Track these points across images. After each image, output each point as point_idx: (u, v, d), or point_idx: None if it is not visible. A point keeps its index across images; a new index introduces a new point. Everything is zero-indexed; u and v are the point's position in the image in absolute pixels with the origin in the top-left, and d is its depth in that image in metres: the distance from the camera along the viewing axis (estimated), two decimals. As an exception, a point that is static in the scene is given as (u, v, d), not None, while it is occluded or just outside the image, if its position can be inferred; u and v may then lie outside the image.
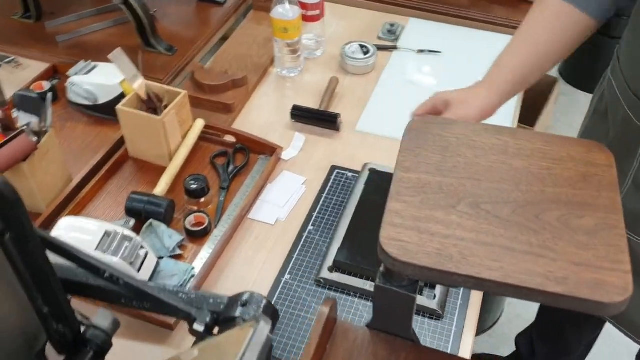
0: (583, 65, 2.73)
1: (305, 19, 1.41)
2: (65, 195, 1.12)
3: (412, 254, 0.53)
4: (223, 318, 0.65)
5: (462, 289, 1.03)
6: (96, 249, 0.97)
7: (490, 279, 0.51)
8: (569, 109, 2.59)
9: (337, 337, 0.64)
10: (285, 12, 1.34)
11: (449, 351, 0.95)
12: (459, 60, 1.50)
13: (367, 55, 1.44)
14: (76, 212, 1.12)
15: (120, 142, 1.25)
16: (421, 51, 1.52)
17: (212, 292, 0.76)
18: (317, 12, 1.43)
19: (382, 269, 0.58)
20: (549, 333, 1.58)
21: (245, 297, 0.65)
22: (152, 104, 1.16)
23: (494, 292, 0.53)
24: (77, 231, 0.99)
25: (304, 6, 1.39)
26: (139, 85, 1.15)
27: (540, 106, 1.88)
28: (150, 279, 1.02)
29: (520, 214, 0.57)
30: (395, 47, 1.52)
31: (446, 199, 0.58)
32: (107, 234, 0.98)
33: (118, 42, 1.49)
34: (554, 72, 2.87)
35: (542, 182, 0.59)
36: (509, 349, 1.87)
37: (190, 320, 0.66)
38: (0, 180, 0.53)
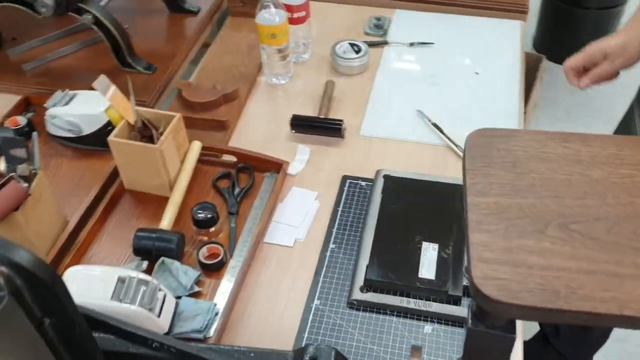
0: (556, 38, 2.72)
1: (291, 21, 1.34)
2: (63, 241, 1.04)
3: (514, 293, 0.48)
4: (291, 378, 0.58)
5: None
6: (111, 298, 0.89)
7: (607, 313, 0.46)
8: (551, 84, 2.57)
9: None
10: (271, 17, 1.27)
11: (499, 363, 0.91)
12: (453, 49, 1.45)
13: (360, 54, 1.38)
14: (78, 258, 1.04)
15: (114, 174, 1.16)
16: (413, 44, 1.46)
17: (274, 348, 0.69)
18: (303, 13, 1.36)
19: (473, 308, 0.52)
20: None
21: (312, 352, 0.59)
22: (147, 132, 1.08)
23: (608, 325, 0.48)
24: (87, 280, 0.91)
25: (289, 8, 1.32)
26: (133, 112, 1.07)
27: (529, 85, 1.85)
28: (171, 322, 0.94)
29: (616, 232, 0.51)
30: (385, 42, 1.46)
31: (532, 223, 0.53)
32: (120, 280, 0.90)
33: (92, 66, 1.41)
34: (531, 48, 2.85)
35: (628, 192, 0.54)
36: (534, 328, 1.83)
37: (253, 384, 0.59)
38: (34, 261, 0.46)
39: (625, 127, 1.34)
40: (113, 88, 1.08)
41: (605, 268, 0.49)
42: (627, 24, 1.16)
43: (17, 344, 0.47)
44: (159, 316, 0.91)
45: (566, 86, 2.52)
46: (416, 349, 0.54)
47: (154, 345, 0.58)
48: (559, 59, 2.87)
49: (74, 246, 1.04)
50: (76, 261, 1.03)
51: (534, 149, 0.60)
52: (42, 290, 0.47)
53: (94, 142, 1.21)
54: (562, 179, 0.57)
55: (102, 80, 1.07)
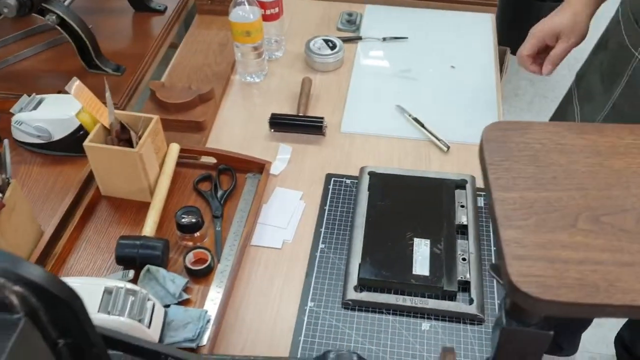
0: (515, 30, 2.75)
1: (264, 18, 1.31)
2: (40, 251, 0.98)
3: (554, 290, 0.46)
4: (314, 386, 0.56)
5: (495, 286, 0.98)
6: (99, 310, 0.85)
7: (648, 304, 0.45)
8: (512, 76, 2.61)
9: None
10: (245, 14, 1.23)
11: (499, 356, 0.90)
12: (427, 43, 1.44)
13: (335, 50, 1.36)
14: (57, 269, 0.99)
15: (88, 180, 1.11)
16: (386, 39, 1.45)
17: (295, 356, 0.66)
18: (276, 10, 1.33)
19: (506, 307, 0.51)
20: None
21: (333, 358, 0.57)
22: (124, 135, 1.03)
23: (648, 317, 0.47)
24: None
25: (262, 5, 1.29)
26: (110, 114, 1.02)
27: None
28: (162, 332, 0.90)
29: (646, 222, 0.51)
30: (359, 38, 1.45)
31: (562, 217, 0.52)
32: (107, 291, 0.86)
33: (56, 68, 1.35)
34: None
35: (651, 180, 0.54)
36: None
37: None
38: (49, 277, 0.42)
39: (562, 112, 1.34)
40: (86, 91, 1.03)
41: (640, 259, 0.48)
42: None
43: (32, 368, 0.43)
44: (149, 327, 0.87)
45: (527, 77, 2.58)
46: (448, 351, 0.53)
47: (167, 360, 0.55)
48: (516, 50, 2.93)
49: (51, 257, 0.99)
50: (55, 273, 0.98)
51: (551, 141, 0.59)
52: (59, 309, 0.43)
53: (65, 148, 1.15)
54: (583, 170, 0.56)
55: (74, 83, 1.02)
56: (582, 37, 1.12)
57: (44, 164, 1.16)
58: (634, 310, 0.46)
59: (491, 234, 1.05)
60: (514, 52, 2.74)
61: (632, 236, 0.50)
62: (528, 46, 1.14)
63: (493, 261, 1.01)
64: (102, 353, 0.47)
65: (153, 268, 0.96)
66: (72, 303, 0.42)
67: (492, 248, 1.03)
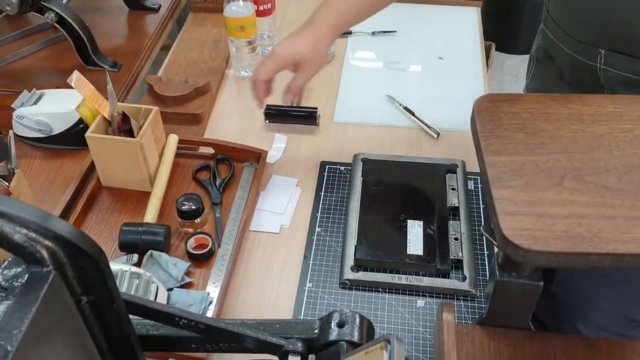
0: (498, 24, 2.80)
1: (257, 14, 1.34)
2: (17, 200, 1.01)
3: (543, 241, 0.50)
4: (320, 344, 0.59)
5: (487, 264, 1.02)
6: (105, 293, 0.88)
7: (629, 253, 0.49)
8: (496, 70, 2.66)
9: (456, 343, 0.60)
10: (239, 9, 1.27)
11: (492, 330, 0.94)
12: (415, 37, 1.49)
13: (326, 44, 1.39)
14: (61, 256, 1.01)
15: (89, 171, 1.14)
16: (376, 33, 1.49)
17: (302, 318, 0.69)
18: (269, 5, 1.37)
19: (499, 261, 0.54)
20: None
21: (337, 317, 0.60)
22: (125, 126, 1.06)
23: (631, 266, 0.51)
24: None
25: (255, 1, 1.32)
26: (112, 106, 1.05)
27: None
28: (166, 314, 0.93)
29: (627, 180, 0.55)
30: (349, 32, 1.49)
31: (549, 177, 0.56)
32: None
33: (54, 65, 1.38)
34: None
35: (631, 144, 0.58)
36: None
37: (282, 353, 0.60)
38: (77, 233, 0.45)
39: None
40: (87, 83, 1.06)
41: (623, 213, 0.52)
42: (316, 15, 1.05)
43: (59, 325, 0.46)
44: (154, 308, 0.90)
45: (511, 72, 2.61)
46: (446, 305, 0.56)
47: (181, 323, 0.58)
48: (500, 45, 2.98)
49: (55, 246, 1.01)
50: (59, 260, 1.01)
51: (538, 110, 0.63)
52: (85, 264, 0.46)
53: (66, 141, 1.18)
54: (568, 136, 0.60)
55: (75, 75, 1.05)
56: (323, 63, 1.06)
57: (44, 158, 1.19)
58: (617, 258, 0.50)
59: (482, 215, 1.09)
60: (498, 47, 2.81)
61: (614, 193, 0.54)
62: (265, 70, 1.03)
63: (482, 240, 1.05)
64: (122, 310, 0.50)
65: (156, 253, 0.99)
66: (98, 259, 0.45)
67: (483, 228, 1.07)
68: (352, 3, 1.04)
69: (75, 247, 0.45)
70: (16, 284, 0.45)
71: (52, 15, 1.27)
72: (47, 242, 0.44)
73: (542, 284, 0.54)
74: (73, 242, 0.44)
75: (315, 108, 1.24)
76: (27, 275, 0.44)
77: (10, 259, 0.47)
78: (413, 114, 1.26)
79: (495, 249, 0.56)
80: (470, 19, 1.54)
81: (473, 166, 1.16)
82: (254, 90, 1.06)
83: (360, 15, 1.06)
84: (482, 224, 1.07)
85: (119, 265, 0.90)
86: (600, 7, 0.94)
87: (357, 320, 0.59)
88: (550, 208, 0.53)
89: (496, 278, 0.53)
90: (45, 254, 0.44)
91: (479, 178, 1.15)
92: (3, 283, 0.45)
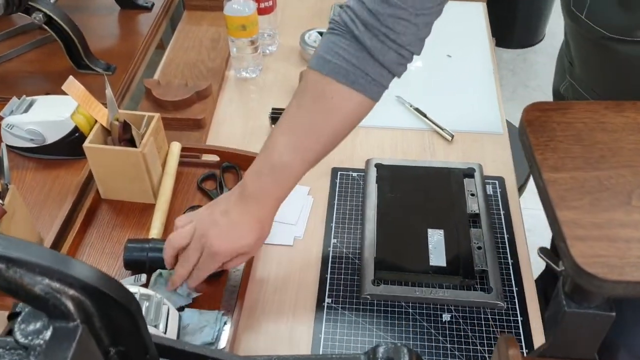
0: (501, 21, 2.77)
1: (258, 12, 1.28)
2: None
3: (619, 270, 0.45)
4: (366, 383, 0.54)
5: (512, 274, 0.97)
6: (113, 318, 0.82)
7: None
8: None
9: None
10: (240, 7, 1.20)
11: (522, 343, 0.89)
12: (421, 33, 1.43)
13: (330, 42, 1.33)
14: (61, 276, 0.95)
15: (86, 183, 1.07)
16: (380, 29, 1.43)
17: (341, 353, 0.64)
18: (270, 3, 1.30)
19: (565, 290, 0.49)
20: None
21: (384, 352, 0.54)
22: (125, 135, 1.00)
23: None
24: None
25: (255, -2, 1.26)
26: (111, 113, 0.99)
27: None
28: (178, 338, 0.87)
29: (700, 196, 0.50)
30: (352, 29, 1.42)
31: (614, 195, 0.51)
32: (120, 297, 0.83)
33: (43, 69, 1.31)
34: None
35: (698, 154, 0.53)
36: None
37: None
38: (105, 279, 0.39)
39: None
40: (83, 89, 0.99)
41: (702, 234, 0.47)
42: (257, 185, 0.84)
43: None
44: (165, 332, 0.84)
45: (508, 67, 2.58)
46: (509, 340, 0.51)
47: (212, 364, 0.52)
48: (497, 40, 2.95)
49: (54, 265, 0.95)
50: (59, 281, 0.94)
51: (593, 120, 0.58)
52: (115, 313, 0.40)
53: (60, 151, 1.11)
54: (629, 148, 0.55)
55: (70, 81, 0.99)
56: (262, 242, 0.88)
57: (38, 169, 1.12)
58: None
59: (503, 222, 1.04)
60: (498, 43, 2.76)
61: (691, 212, 0.49)
62: (204, 271, 0.86)
63: (506, 248, 1.00)
64: (154, 359, 0.44)
65: (165, 272, 0.93)
66: (130, 307, 0.40)
67: (506, 236, 1.02)
68: (303, 166, 0.85)
69: (105, 296, 0.39)
70: (38, 342, 0.39)
71: (40, 15, 1.19)
72: (72, 292, 0.38)
73: (614, 314, 0.49)
74: (102, 290, 0.39)
75: (324, 111, 1.18)
76: (50, 331, 0.39)
77: (27, 310, 0.41)
78: (425, 116, 1.21)
79: (561, 278, 0.51)
80: (477, 15, 1.49)
81: (490, 170, 1.12)
82: (167, 257, 0.88)
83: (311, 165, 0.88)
84: (504, 232, 1.02)
85: (127, 288, 0.84)
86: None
87: (406, 355, 0.54)
88: (621, 231, 0.48)
89: (564, 309, 0.48)
90: (71, 305, 0.38)
91: (497, 182, 1.10)
92: (22, 340, 0.39)
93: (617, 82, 0.99)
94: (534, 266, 0.99)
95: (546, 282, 1.46)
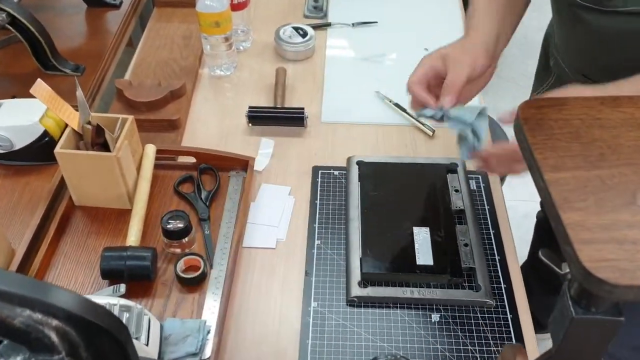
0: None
1: (232, 7, 1.24)
2: (14, 272, 0.90)
3: (631, 274, 0.43)
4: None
5: (500, 271, 0.96)
6: (92, 332, 0.78)
7: None
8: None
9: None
10: (213, 3, 1.17)
11: (512, 341, 0.88)
12: (397, 27, 1.41)
13: (306, 38, 1.31)
14: (35, 288, 0.91)
15: (59, 190, 1.03)
16: (356, 24, 1.41)
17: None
18: (243, -2, 1.27)
19: (571, 294, 0.48)
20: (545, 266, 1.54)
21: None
22: (98, 139, 0.96)
23: None
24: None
25: (228, -6, 1.22)
26: (82, 117, 0.95)
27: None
28: (160, 349, 0.84)
29: None
30: (328, 24, 1.40)
31: (618, 195, 0.49)
32: (99, 310, 0.79)
33: (7, 71, 1.26)
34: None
35: (700, 149, 0.52)
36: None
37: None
38: (90, 307, 0.36)
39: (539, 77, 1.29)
40: (52, 92, 0.95)
41: None
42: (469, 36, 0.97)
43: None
44: (147, 344, 0.81)
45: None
46: (516, 349, 0.49)
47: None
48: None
49: (27, 277, 0.91)
50: (33, 293, 0.90)
51: (589, 116, 0.56)
52: (102, 342, 0.37)
53: (30, 157, 1.06)
54: (628, 145, 0.53)
55: (38, 84, 0.94)
56: (474, 68, 0.93)
57: (6, 176, 1.07)
58: None
59: (488, 217, 1.03)
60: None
61: (697, 210, 0.48)
62: (415, 76, 0.95)
63: (492, 244, 0.99)
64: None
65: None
66: (119, 336, 0.37)
67: (492, 231, 1.01)
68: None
69: (91, 325, 0.36)
70: (19, 378, 0.36)
71: (4, 15, 1.14)
72: (56, 323, 0.35)
73: (622, 318, 0.47)
74: (89, 319, 0.35)
75: (302, 108, 1.15)
76: (32, 366, 0.35)
77: (5, 343, 0.38)
78: (405, 111, 1.19)
79: (566, 282, 0.49)
80: (453, 7, 1.47)
81: (472, 164, 1.10)
82: (416, 95, 0.94)
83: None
84: (490, 227, 1.01)
85: (105, 299, 0.81)
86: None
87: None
88: (629, 232, 0.46)
89: (572, 315, 0.47)
90: (55, 337, 0.35)
91: (480, 177, 1.09)
92: (1, 377, 0.36)
93: (588, 53, 0.99)
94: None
95: (527, 272, 1.46)
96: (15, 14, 1.15)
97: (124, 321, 0.79)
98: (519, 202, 1.74)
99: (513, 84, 2.62)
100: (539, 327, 0.94)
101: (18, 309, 0.33)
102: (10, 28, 1.17)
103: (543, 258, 0.53)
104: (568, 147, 0.53)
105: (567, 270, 0.51)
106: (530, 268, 1.62)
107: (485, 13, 0.98)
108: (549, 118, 0.56)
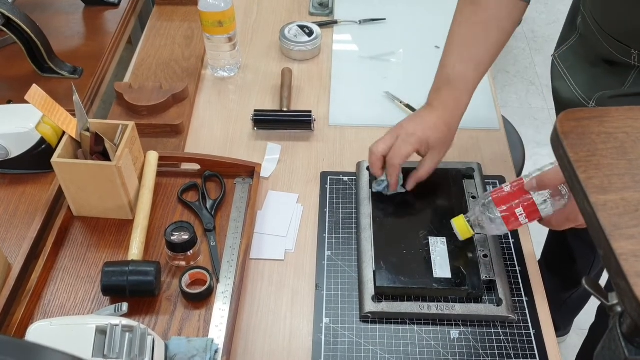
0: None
1: (235, 6, 1.19)
2: (10, 288, 0.86)
3: (693, 310, 0.39)
4: None
5: (522, 284, 0.91)
6: (93, 355, 0.74)
7: None
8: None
9: None
10: (216, 2, 1.12)
11: (536, 358, 0.83)
12: (407, 24, 1.36)
13: (312, 37, 1.26)
14: (32, 307, 0.86)
15: (56, 199, 0.99)
16: (363, 21, 1.35)
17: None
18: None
19: (622, 330, 0.43)
20: (558, 265, 1.50)
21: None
22: (97, 147, 0.91)
23: None
24: (59, 337, 0.75)
25: (231, -8, 1.17)
26: (80, 124, 0.90)
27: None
28: (165, 369, 0.80)
29: None
30: (335, 22, 1.35)
31: (673, 219, 0.44)
32: (100, 330, 0.75)
33: (3, 75, 1.21)
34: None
35: None
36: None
37: None
38: None
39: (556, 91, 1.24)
40: (48, 98, 0.90)
41: None
42: (441, 94, 0.94)
43: None
44: (151, 365, 0.76)
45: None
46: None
47: None
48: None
49: (24, 294, 0.86)
50: (30, 312, 0.86)
51: (634, 128, 0.51)
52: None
53: (26, 165, 1.02)
54: (680, 161, 0.48)
55: (33, 89, 0.90)
56: (448, 147, 0.96)
57: (1, 185, 1.02)
58: None
59: (506, 224, 0.98)
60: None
61: None
62: (401, 155, 0.92)
63: (512, 255, 0.94)
64: None
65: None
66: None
67: (511, 241, 0.96)
68: (475, 74, 0.94)
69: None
70: None
71: (-2, 17, 1.09)
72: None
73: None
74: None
75: (310, 111, 1.10)
76: None
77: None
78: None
79: (617, 317, 0.45)
80: (464, 2, 1.42)
81: (489, 168, 1.06)
82: (372, 165, 0.95)
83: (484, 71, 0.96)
84: (509, 237, 0.96)
85: (106, 319, 0.76)
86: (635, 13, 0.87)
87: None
88: (688, 262, 0.42)
89: (625, 356, 0.42)
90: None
91: (497, 182, 1.04)
92: None
93: (624, 14, 0.92)
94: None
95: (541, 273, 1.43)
96: (9, 15, 1.10)
97: (126, 342, 0.75)
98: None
99: (519, 78, 2.57)
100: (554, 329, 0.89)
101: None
102: (5, 30, 1.12)
103: (588, 288, 0.48)
104: (615, 165, 0.48)
105: (616, 301, 0.46)
106: (545, 267, 1.58)
107: (461, 61, 0.94)
108: (591, 132, 0.51)
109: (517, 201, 0.82)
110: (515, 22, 0.96)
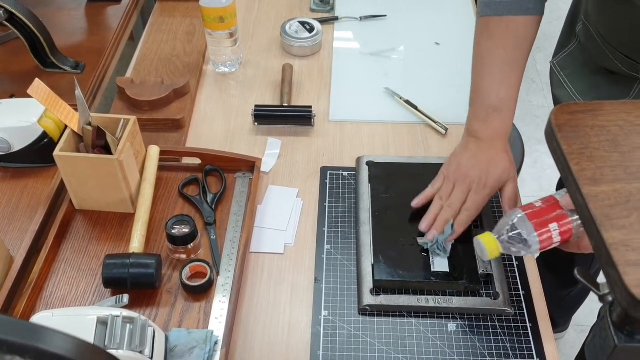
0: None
1: (236, 2, 1.20)
2: (12, 281, 0.87)
3: (682, 298, 0.40)
4: None
5: (518, 277, 0.92)
6: (94, 346, 0.75)
7: None
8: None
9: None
10: (217, -3, 1.13)
11: (533, 352, 0.84)
12: (407, 21, 1.37)
13: (313, 33, 1.26)
14: (34, 299, 0.87)
15: (58, 193, 1.00)
16: (364, 18, 1.36)
17: None
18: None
19: (613, 319, 0.44)
20: (557, 263, 1.50)
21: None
22: (99, 141, 0.92)
23: None
24: (60, 328, 0.76)
25: (232, -12, 1.18)
26: (83, 118, 0.91)
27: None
28: (165, 360, 0.81)
29: None
30: (335, 18, 1.36)
31: (664, 210, 0.45)
32: (101, 321, 0.76)
33: (5, 69, 1.22)
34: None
35: None
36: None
37: None
38: (93, 354, 0.33)
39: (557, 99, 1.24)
40: (50, 92, 0.91)
41: None
42: (485, 123, 0.94)
43: None
44: (151, 357, 0.77)
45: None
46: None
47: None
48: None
49: (26, 286, 0.87)
50: (32, 304, 0.87)
51: (627, 122, 0.52)
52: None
53: (28, 159, 1.03)
54: (672, 154, 0.49)
55: (36, 83, 0.90)
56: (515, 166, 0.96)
57: (4, 179, 1.03)
58: None
59: (504, 219, 0.99)
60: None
61: None
62: (478, 206, 0.92)
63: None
64: None
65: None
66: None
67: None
68: (516, 97, 0.94)
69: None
70: None
71: (1, 12, 1.10)
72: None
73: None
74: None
75: (310, 107, 1.11)
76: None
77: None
78: (416, 108, 1.15)
79: (607, 307, 0.45)
80: (464, 1, 1.43)
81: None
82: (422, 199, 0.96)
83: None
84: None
85: (107, 310, 0.77)
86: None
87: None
88: (677, 252, 0.42)
89: (614, 343, 0.43)
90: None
91: (496, 177, 1.05)
92: None
93: (630, 33, 0.93)
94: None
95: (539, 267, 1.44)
96: (13, 10, 1.11)
97: (127, 333, 0.76)
98: (529, 199, 1.69)
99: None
100: (553, 325, 0.90)
101: (7, 357, 0.30)
102: (8, 25, 1.13)
103: (580, 278, 0.49)
104: (607, 157, 0.49)
105: (607, 291, 0.47)
106: (544, 265, 1.58)
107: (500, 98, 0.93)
108: (585, 125, 0.52)
109: (551, 216, 0.77)
110: (536, 33, 0.96)
